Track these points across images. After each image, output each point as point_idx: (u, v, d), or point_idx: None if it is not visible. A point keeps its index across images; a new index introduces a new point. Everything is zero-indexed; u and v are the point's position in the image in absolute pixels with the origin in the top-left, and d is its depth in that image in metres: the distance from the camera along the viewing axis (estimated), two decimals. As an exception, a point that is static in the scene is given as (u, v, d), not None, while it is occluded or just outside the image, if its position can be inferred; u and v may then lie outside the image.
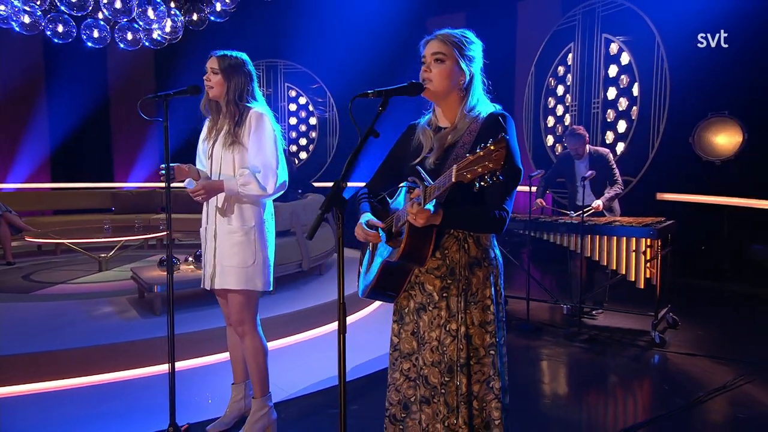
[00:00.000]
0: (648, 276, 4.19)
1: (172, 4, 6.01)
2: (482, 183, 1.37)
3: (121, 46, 6.17)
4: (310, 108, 10.02)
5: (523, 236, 5.02)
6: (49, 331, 3.81)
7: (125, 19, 5.74)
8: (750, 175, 5.71)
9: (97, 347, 3.57)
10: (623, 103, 6.63)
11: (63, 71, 8.99)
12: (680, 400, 3.20)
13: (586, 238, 4.40)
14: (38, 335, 3.74)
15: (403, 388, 1.86)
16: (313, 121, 10.04)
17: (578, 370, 3.81)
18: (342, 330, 1.49)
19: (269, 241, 2.69)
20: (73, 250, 6.28)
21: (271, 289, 2.70)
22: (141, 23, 5.77)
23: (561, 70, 7.50)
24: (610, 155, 4.87)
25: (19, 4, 5.40)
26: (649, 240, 4.16)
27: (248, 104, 2.59)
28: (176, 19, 6.01)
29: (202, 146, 2.77)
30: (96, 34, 5.97)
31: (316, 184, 9.08)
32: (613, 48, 6.70)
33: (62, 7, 5.35)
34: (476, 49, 1.82)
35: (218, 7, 6.24)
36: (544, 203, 5.11)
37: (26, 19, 5.66)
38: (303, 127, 10.10)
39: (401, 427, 1.86)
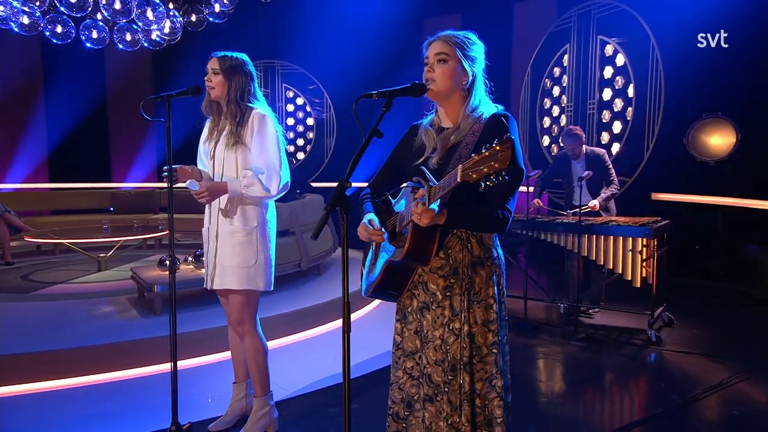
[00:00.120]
0: (644, 275, 4.23)
1: (171, 5, 6.02)
2: (488, 183, 1.39)
3: (120, 46, 6.17)
4: (308, 109, 10.03)
5: (520, 236, 5.05)
6: (49, 331, 3.81)
7: (124, 20, 5.75)
8: (744, 176, 5.76)
9: (97, 347, 3.58)
10: (618, 104, 6.67)
11: (61, 72, 8.98)
12: (676, 398, 3.24)
13: (582, 238, 4.44)
14: (38, 335, 3.74)
15: (406, 386, 1.87)
16: (310, 121, 10.05)
17: (575, 369, 3.84)
18: (347, 329, 1.51)
19: (271, 241, 2.71)
20: (71, 250, 6.28)
21: (272, 289, 2.72)
22: (140, 24, 5.77)
23: (557, 71, 7.54)
24: (607, 155, 4.91)
25: (18, 5, 5.39)
26: (645, 239, 4.20)
27: (249, 104, 2.60)
28: (175, 20, 6.01)
29: (203, 147, 2.77)
30: (95, 34, 5.97)
31: (314, 185, 9.11)
32: (609, 50, 6.74)
33: (62, 8, 5.35)
34: (478, 50, 1.84)
35: (217, 8, 6.25)
36: (541, 203, 5.14)
37: (25, 20, 5.65)
38: (300, 128, 10.11)
39: (404, 424, 1.87)
